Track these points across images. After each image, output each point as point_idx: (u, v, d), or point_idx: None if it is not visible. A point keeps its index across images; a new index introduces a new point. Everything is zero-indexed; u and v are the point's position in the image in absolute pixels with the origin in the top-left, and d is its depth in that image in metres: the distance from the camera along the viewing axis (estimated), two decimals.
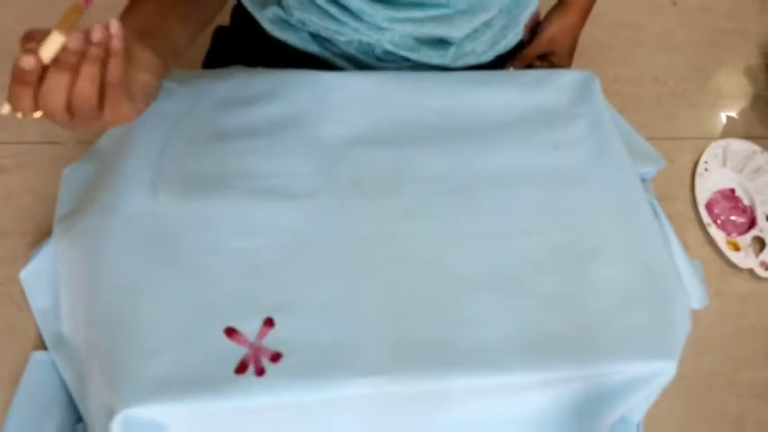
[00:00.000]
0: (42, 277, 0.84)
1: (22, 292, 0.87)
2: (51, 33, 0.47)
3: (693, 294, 0.81)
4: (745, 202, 1.18)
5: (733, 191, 1.19)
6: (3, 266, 0.93)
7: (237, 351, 0.60)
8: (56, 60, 0.47)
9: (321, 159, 0.73)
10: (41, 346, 0.84)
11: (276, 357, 0.60)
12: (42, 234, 0.94)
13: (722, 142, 1.24)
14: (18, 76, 0.47)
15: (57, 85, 0.47)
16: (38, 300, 0.85)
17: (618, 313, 0.66)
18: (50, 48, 0.47)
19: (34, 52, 0.46)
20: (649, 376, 0.65)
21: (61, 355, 0.78)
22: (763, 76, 1.36)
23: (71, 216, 0.80)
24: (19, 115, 0.48)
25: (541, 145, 0.77)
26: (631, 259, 0.70)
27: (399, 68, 0.84)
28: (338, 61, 0.85)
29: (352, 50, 0.83)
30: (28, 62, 0.46)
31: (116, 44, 0.48)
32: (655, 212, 0.77)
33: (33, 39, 0.47)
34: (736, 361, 1.03)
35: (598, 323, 0.65)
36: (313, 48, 0.84)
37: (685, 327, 0.67)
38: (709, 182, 1.20)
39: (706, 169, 1.21)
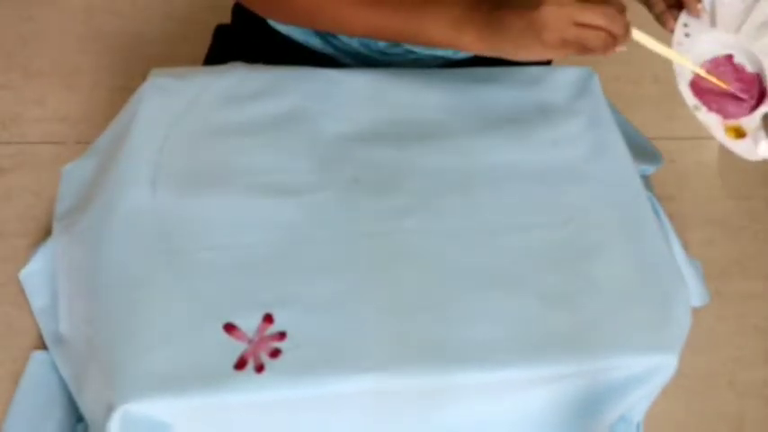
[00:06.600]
0: (42, 276, 0.84)
1: (22, 291, 0.87)
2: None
3: (693, 293, 0.81)
4: (750, 69, 0.78)
5: (730, 58, 0.79)
6: (3, 266, 0.93)
7: (236, 347, 0.60)
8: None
9: (321, 156, 0.73)
10: (41, 345, 0.84)
11: (275, 353, 0.60)
12: (42, 234, 0.94)
13: None
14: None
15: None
16: (38, 299, 0.85)
17: (618, 308, 0.66)
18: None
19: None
20: (650, 372, 0.65)
21: (61, 354, 0.79)
22: None
23: (70, 214, 0.80)
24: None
25: (541, 142, 0.77)
26: (631, 254, 0.70)
27: (401, 62, 0.84)
28: (340, 56, 0.85)
29: (354, 43, 0.83)
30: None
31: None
32: (654, 210, 0.77)
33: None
34: (736, 361, 1.03)
35: (598, 318, 0.65)
36: (315, 42, 0.84)
37: (686, 321, 0.67)
38: (694, 51, 0.78)
39: (686, 34, 0.78)
